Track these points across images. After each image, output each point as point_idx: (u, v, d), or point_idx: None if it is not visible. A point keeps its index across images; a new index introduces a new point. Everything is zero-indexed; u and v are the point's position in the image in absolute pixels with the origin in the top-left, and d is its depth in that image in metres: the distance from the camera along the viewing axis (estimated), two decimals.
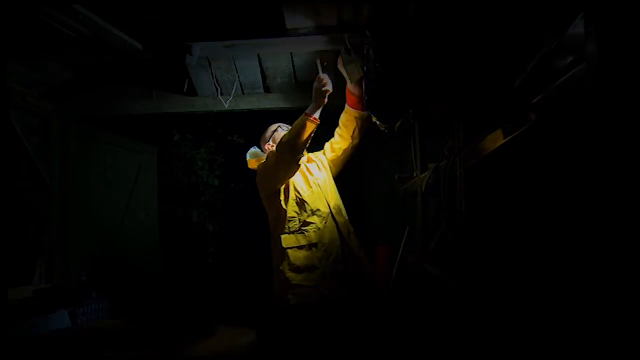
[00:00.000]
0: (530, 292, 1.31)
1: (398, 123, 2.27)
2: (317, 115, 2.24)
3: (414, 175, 2.43)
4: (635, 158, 0.78)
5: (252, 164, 2.51)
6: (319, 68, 2.36)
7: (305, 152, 2.60)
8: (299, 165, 2.31)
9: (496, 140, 1.35)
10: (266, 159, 2.40)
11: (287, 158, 2.24)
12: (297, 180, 2.37)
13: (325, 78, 2.25)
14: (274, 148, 2.41)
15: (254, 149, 2.57)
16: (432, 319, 2.10)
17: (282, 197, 2.33)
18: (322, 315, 2.24)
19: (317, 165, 2.55)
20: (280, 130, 2.47)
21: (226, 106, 3.40)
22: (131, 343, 2.54)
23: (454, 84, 1.62)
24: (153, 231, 4.58)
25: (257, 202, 2.46)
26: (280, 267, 2.27)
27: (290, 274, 2.23)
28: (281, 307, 2.27)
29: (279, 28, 2.57)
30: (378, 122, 2.42)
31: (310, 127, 2.19)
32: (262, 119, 2.76)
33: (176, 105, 3.53)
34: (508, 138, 1.24)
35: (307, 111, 2.23)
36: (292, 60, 3.06)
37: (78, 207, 3.66)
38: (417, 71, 1.78)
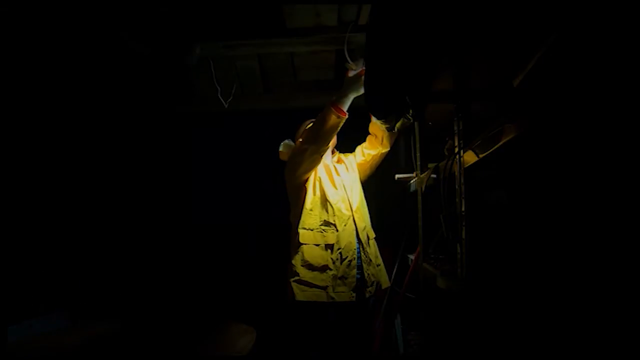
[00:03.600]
0: (529, 290, 1.31)
1: (398, 123, 2.27)
2: (344, 107, 2.16)
3: (414, 175, 2.42)
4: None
5: (283, 155, 2.48)
6: (347, 56, 2.21)
7: (336, 151, 2.58)
8: (321, 158, 2.27)
9: (495, 141, 1.35)
10: (293, 150, 2.37)
11: (312, 149, 2.20)
12: (323, 179, 2.33)
13: (359, 65, 2.16)
14: None
15: (287, 141, 2.54)
16: (432, 318, 2.10)
17: (307, 193, 2.30)
18: (324, 315, 2.21)
19: (346, 166, 2.53)
20: None
21: (226, 106, 3.40)
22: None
23: (455, 83, 1.62)
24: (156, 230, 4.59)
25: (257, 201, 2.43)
26: (293, 261, 2.24)
27: (301, 270, 2.20)
28: (287, 301, 2.24)
29: (279, 28, 2.57)
30: (378, 122, 2.42)
31: (334, 120, 2.12)
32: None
33: (176, 105, 3.53)
34: (507, 139, 1.24)
35: (333, 100, 2.15)
36: (292, 61, 3.05)
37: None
38: (417, 70, 1.78)
